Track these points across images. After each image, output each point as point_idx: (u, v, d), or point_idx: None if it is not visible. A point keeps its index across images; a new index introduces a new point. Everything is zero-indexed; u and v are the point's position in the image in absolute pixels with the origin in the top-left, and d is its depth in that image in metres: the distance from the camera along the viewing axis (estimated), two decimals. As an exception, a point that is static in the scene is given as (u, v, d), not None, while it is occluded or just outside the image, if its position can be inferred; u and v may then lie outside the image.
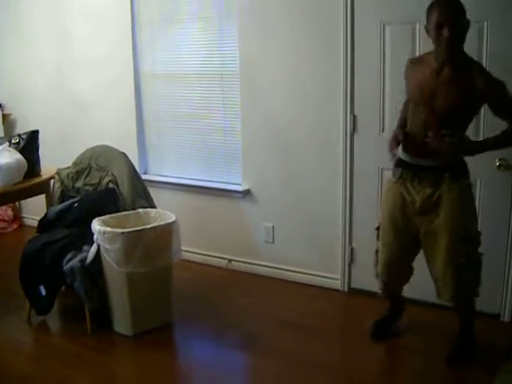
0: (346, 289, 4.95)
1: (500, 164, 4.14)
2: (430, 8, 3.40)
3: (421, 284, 4.01)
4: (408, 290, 4.16)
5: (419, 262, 3.88)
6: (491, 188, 4.25)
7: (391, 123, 4.44)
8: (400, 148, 3.69)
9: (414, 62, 3.70)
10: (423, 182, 3.61)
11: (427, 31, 3.46)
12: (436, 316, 4.36)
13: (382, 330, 4.22)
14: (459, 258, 3.57)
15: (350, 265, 4.91)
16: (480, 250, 3.70)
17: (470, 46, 4.08)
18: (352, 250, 4.87)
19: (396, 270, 3.93)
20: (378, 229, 3.97)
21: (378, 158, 4.57)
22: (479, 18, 4.05)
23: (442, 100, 3.44)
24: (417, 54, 4.28)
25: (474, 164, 4.19)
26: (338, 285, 4.97)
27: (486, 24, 4.05)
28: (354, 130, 4.66)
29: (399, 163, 3.74)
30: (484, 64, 4.06)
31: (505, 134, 3.49)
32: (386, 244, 3.87)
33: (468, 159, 4.16)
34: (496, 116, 3.53)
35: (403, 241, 3.80)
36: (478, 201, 4.28)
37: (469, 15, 4.02)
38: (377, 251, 4.00)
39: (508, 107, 3.48)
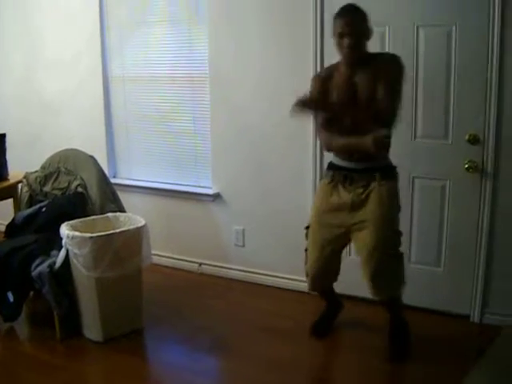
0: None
1: (469, 166, 4.17)
2: (334, 19, 3.66)
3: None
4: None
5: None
6: (460, 190, 4.29)
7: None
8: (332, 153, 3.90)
9: (324, 77, 3.84)
10: (355, 182, 3.76)
11: (333, 39, 3.68)
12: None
13: (322, 328, 4.30)
14: (387, 248, 3.71)
15: (320, 268, 4.91)
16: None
17: (438, 50, 4.15)
18: (323, 253, 4.87)
19: (324, 268, 3.99)
20: (307, 228, 4.04)
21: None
22: (447, 22, 4.10)
23: (361, 101, 3.62)
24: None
25: (443, 166, 4.27)
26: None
27: (454, 28, 4.08)
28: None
29: (330, 166, 3.93)
30: (452, 68, 4.12)
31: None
32: (315, 243, 3.95)
33: (436, 161, 4.23)
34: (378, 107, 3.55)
35: (332, 240, 3.90)
36: (447, 202, 4.33)
37: (437, 19, 4.11)
38: (306, 250, 4.05)
39: (389, 95, 3.55)
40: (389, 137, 3.44)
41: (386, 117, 3.54)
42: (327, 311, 4.39)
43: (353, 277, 4.13)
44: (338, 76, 3.73)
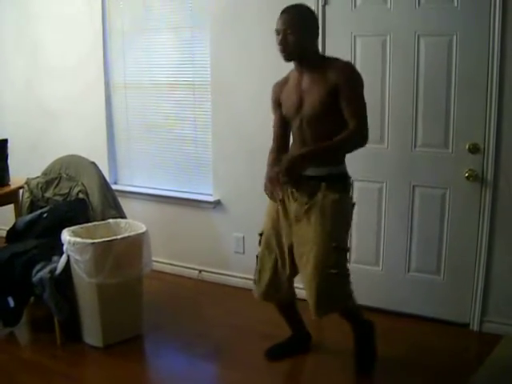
0: (316, 299, 4.95)
1: (469, 175, 4.19)
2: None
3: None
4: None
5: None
6: (460, 198, 4.30)
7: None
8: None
9: (281, 83, 3.77)
10: (301, 190, 3.55)
11: None
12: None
13: (277, 354, 4.13)
14: (329, 268, 3.48)
15: (320, 275, 4.90)
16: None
17: (439, 60, 4.17)
18: (323, 261, 4.87)
19: (277, 277, 3.80)
20: (261, 235, 3.89)
21: (348, 168, 4.56)
22: (449, 32, 4.12)
23: (308, 106, 3.52)
24: (387, 66, 4.35)
25: (443, 175, 4.28)
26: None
27: (455, 37, 4.11)
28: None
29: None
30: (453, 77, 4.14)
31: (344, 136, 3.40)
32: (268, 251, 3.80)
33: (437, 170, 4.24)
34: (345, 117, 3.42)
35: (283, 248, 3.72)
36: (448, 211, 4.34)
37: (437, 28, 4.12)
38: (257, 257, 3.92)
39: (355, 103, 3.43)
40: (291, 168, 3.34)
41: (356, 125, 3.38)
42: (289, 339, 4.22)
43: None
44: (291, 81, 3.66)
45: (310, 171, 3.48)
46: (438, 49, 4.19)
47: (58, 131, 6.14)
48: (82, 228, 4.35)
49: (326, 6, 4.50)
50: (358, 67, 4.37)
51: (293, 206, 3.60)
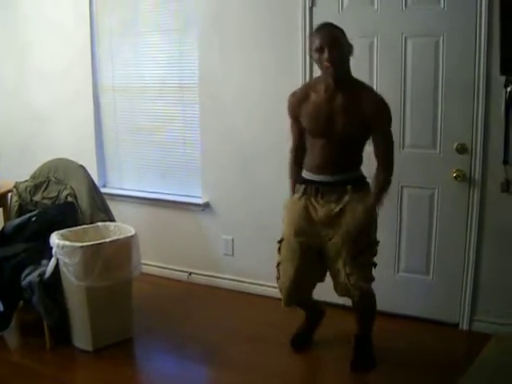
0: (306, 301, 4.96)
1: (457, 175, 4.21)
2: (313, 35, 3.65)
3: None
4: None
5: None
6: (448, 198, 4.33)
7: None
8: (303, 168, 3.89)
9: (300, 96, 3.77)
10: (327, 196, 3.73)
11: (312, 57, 3.68)
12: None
13: (303, 341, 4.29)
14: (364, 262, 3.73)
15: (310, 276, 4.92)
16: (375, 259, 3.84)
17: (426, 61, 4.18)
18: (312, 262, 4.88)
19: (301, 282, 3.89)
20: (280, 242, 3.96)
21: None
22: (435, 33, 4.14)
23: (339, 126, 3.58)
24: (374, 67, 4.36)
25: (432, 174, 4.29)
26: (298, 297, 4.98)
27: (441, 38, 4.13)
28: (313, 142, 4.69)
29: (302, 181, 3.85)
30: (440, 78, 4.16)
31: (378, 179, 3.72)
32: (293, 252, 3.85)
33: (425, 171, 4.25)
34: (375, 153, 3.70)
35: (308, 253, 3.81)
36: (436, 211, 4.36)
37: (424, 29, 4.14)
38: (278, 265, 3.98)
39: (384, 141, 3.68)
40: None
41: (387, 165, 3.70)
42: (308, 321, 4.34)
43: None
44: (316, 96, 3.67)
45: (335, 177, 3.71)
46: (425, 50, 4.21)
47: (47, 135, 6.12)
48: (70, 231, 4.34)
49: (313, 8, 4.51)
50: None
51: (320, 212, 3.74)
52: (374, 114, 3.55)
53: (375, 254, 3.81)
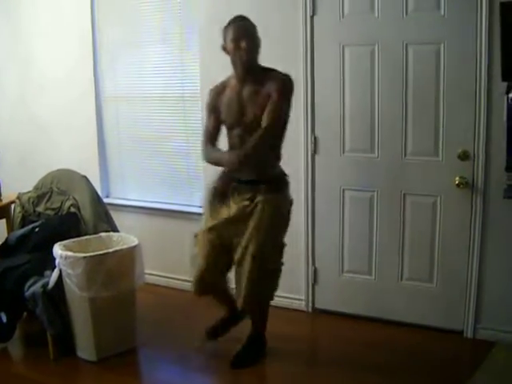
0: (310, 309, 4.95)
1: (459, 182, 4.20)
2: (226, 28, 3.79)
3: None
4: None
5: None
6: (451, 206, 4.31)
7: (352, 144, 4.53)
8: None
9: (218, 89, 3.95)
10: (242, 194, 3.83)
11: (224, 49, 3.82)
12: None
13: (216, 334, 4.43)
14: (266, 264, 3.79)
15: (313, 285, 4.92)
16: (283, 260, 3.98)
17: (427, 68, 4.18)
18: (315, 271, 4.88)
19: (211, 273, 4.01)
20: (196, 236, 4.08)
21: (339, 178, 4.63)
22: (436, 40, 4.14)
23: (250, 114, 3.73)
24: (376, 75, 4.36)
25: (434, 182, 4.29)
26: (302, 305, 4.98)
27: (442, 45, 4.13)
28: (315, 151, 4.70)
29: (221, 178, 3.95)
30: (441, 85, 4.16)
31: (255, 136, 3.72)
32: (203, 251, 3.98)
33: (427, 178, 4.24)
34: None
35: (218, 248, 3.93)
36: (439, 218, 4.35)
37: (425, 37, 4.14)
38: (193, 257, 4.10)
39: (272, 109, 3.68)
40: (249, 155, 3.70)
41: (260, 135, 3.69)
42: (227, 316, 4.45)
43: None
44: (229, 90, 3.85)
45: (250, 175, 3.81)
46: (426, 57, 4.21)
47: (49, 145, 6.13)
48: (73, 242, 4.34)
49: (314, 17, 4.52)
50: (347, 77, 4.46)
51: (234, 208, 3.85)
52: (275, 87, 3.68)
53: (281, 258, 3.93)
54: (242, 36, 3.68)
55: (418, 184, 4.40)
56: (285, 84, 3.72)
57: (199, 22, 5.09)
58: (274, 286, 3.98)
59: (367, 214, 4.60)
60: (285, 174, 3.94)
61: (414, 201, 4.44)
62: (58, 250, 4.13)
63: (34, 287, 4.16)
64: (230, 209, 3.85)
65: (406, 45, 4.25)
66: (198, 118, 5.21)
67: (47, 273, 4.25)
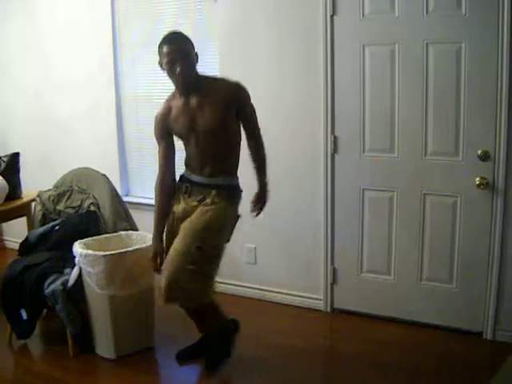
0: (328, 309, 4.95)
1: (480, 183, 4.17)
2: (160, 46, 3.68)
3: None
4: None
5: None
6: (471, 206, 4.29)
7: (372, 143, 4.51)
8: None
9: (164, 112, 3.86)
10: (193, 195, 3.80)
11: (161, 66, 3.73)
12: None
13: (186, 356, 4.28)
14: (186, 263, 3.59)
15: (332, 285, 4.91)
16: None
17: (448, 67, 4.16)
18: (334, 270, 4.87)
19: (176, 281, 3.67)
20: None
21: (359, 178, 4.62)
22: (457, 39, 4.12)
23: (201, 122, 3.68)
24: (396, 74, 4.34)
25: (454, 183, 4.26)
26: (320, 305, 4.97)
27: (463, 45, 4.10)
28: (334, 150, 4.69)
29: (180, 178, 3.96)
30: (462, 84, 4.14)
31: (257, 157, 3.98)
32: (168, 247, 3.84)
33: (447, 178, 4.21)
34: (245, 132, 3.89)
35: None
36: (459, 219, 4.33)
37: (446, 36, 4.11)
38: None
39: (253, 116, 3.87)
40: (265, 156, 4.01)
41: (261, 139, 3.93)
42: (198, 342, 4.30)
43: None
44: (175, 107, 3.79)
45: (205, 180, 3.79)
46: (447, 57, 4.19)
47: (69, 144, 6.18)
48: (93, 240, 4.36)
49: (335, 17, 4.50)
50: (367, 76, 4.44)
51: (180, 207, 3.83)
52: (235, 95, 3.72)
53: (209, 264, 3.74)
54: (176, 59, 3.60)
55: (438, 184, 4.38)
56: (245, 89, 3.78)
57: (219, 24, 5.11)
58: (200, 289, 3.69)
59: (387, 214, 4.59)
60: (239, 187, 3.94)
61: (433, 201, 4.42)
62: (77, 248, 4.15)
63: (53, 285, 4.18)
64: (179, 206, 3.84)
65: (427, 44, 4.22)
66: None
67: (67, 271, 4.28)
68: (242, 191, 3.94)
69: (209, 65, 5.24)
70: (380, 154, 4.53)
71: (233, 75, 5.04)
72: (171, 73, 3.65)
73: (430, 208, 4.44)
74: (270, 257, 5.18)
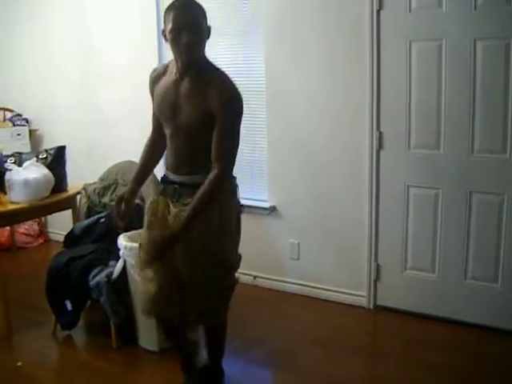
0: (371, 306, 4.92)
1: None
2: (167, 11, 3.13)
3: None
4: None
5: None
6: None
7: (418, 140, 4.47)
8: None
9: (158, 73, 3.41)
10: (183, 198, 3.29)
11: (164, 37, 3.21)
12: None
13: None
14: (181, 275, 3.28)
15: (375, 282, 4.88)
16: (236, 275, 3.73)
17: (496, 64, 4.09)
18: (378, 267, 4.84)
19: (168, 295, 3.33)
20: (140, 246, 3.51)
21: (404, 174, 4.58)
22: (505, 35, 4.05)
23: (183, 115, 3.19)
24: (443, 70, 4.29)
25: (502, 180, 4.20)
26: (363, 302, 4.94)
27: (512, 41, 4.05)
28: (380, 146, 4.65)
29: (162, 180, 3.51)
30: (511, 81, 4.07)
31: (208, 187, 3.17)
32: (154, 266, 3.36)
33: (494, 176, 4.15)
34: (212, 153, 3.18)
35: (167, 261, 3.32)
36: (505, 217, 4.26)
37: (494, 31, 4.04)
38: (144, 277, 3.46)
39: (225, 142, 3.20)
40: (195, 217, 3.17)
41: (219, 171, 3.18)
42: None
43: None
44: (167, 79, 3.30)
45: (193, 178, 3.29)
46: (495, 52, 4.12)
47: (113, 137, 6.23)
48: (138, 233, 4.38)
49: (381, 11, 4.47)
50: (414, 72, 4.38)
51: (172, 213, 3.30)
52: (218, 103, 3.08)
53: (226, 269, 3.57)
54: (185, 27, 3.05)
55: (485, 182, 4.32)
56: (233, 103, 3.15)
57: (264, 16, 5.10)
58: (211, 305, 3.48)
59: (431, 211, 4.54)
60: (232, 187, 3.53)
61: (480, 199, 4.36)
62: (122, 240, 4.19)
63: (98, 277, 4.23)
64: (170, 213, 3.31)
65: (475, 40, 4.16)
66: (263, 113, 5.22)
67: (111, 263, 4.32)
68: (234, 188, 3.59)
69: (254, 58, 5.25)
70: (426, 150, 4.49)
71: (278, 70, 5.07)
72: (175, 43, 3.10)
73: (476, 206, 4.38)
74: (313, 252, 5.16)
